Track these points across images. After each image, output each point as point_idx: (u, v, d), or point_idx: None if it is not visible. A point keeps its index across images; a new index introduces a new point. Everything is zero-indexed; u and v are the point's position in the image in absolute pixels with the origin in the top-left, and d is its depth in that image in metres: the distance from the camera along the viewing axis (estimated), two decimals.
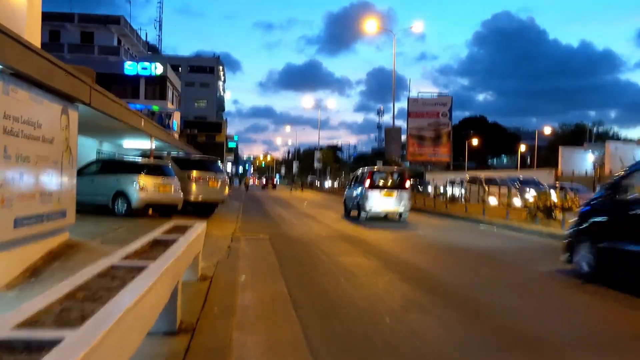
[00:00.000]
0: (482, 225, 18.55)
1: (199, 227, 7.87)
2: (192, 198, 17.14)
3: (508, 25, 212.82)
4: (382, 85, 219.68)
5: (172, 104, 46.37)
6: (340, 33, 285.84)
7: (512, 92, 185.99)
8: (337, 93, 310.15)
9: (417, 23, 41.27)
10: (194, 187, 17.16)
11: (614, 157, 55.15)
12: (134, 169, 15.53)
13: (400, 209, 19.65)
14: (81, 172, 16.06)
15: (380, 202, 19.55)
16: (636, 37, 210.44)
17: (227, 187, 18.52)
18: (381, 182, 20.30)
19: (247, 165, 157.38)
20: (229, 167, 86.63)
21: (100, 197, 15.64)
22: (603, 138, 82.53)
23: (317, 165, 74.80)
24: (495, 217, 19.67)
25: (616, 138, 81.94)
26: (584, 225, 8.69)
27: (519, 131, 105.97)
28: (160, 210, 16.42)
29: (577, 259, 8.73)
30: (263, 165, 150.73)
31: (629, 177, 8.23)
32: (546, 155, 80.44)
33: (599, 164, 61.72)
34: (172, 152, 20.18)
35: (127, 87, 44.27)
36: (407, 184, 20.44)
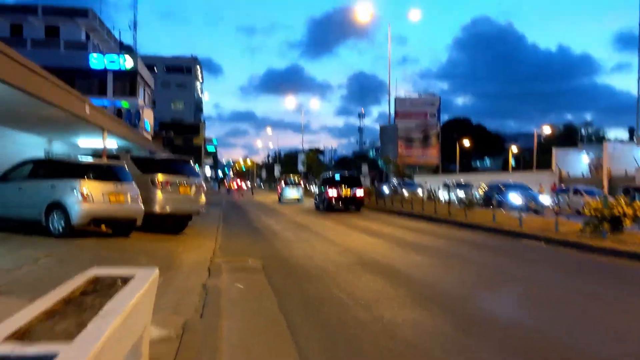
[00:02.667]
0: (525, 241, 14.83)
1: (141, 284, 3.96)
2: (156, 209, 13.05)
3: (487, 29, 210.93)
4: (363, 89, 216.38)
5: (145, 102, 42.06)
6: (322, 37, 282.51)
7: (491, 96, 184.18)
8: (319, 97, 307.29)
9: (414, 11, 37.63)
10: (159, 195, 13.07)
11: (612, 158, 52.33)
12: (75, 172, 11.44)
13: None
14: (6, 177, 11.95)
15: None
16: (613, 41, 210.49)
17: (203, 195, 14.47)
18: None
19: (226, 169, 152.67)
20: (207, 171, 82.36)
21: (29, 210, 11.56)
22: (593, 139, 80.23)
23: (301, 168, 70.90)
24: (536, 229, 15.96)
25: (603, 139, 79.54)
26: None
27: (500, 134, 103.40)
28: (114, 226, 12.37)
29: None
30: (244, 169, 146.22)
31: None
32: (536, 157, 77.68)
33: (595, 165, 58.84)
34: (133, 153, 16.01)
35: (93, 82, 39.82)
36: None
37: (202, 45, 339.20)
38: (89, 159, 12.81)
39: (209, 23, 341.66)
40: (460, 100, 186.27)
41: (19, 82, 7.74)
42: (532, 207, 26.04)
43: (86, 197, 11.03)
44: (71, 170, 11.48)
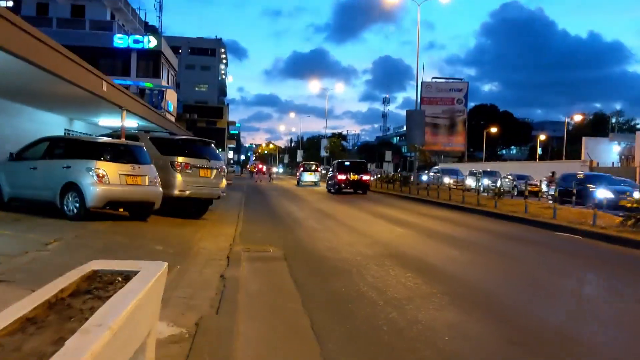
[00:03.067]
0: (560, 234, 14.03)
1: (144, 282, 3.33)
2: (175, 193, 12.53)
3: (517, 15, 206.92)
4: (388, 74, 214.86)
5: (168, 83, 41.66)
6: (348, 21, 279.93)
7: (518, 84, 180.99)
8: (344, 82, 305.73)
9: None
10: (178, 178, 12.54)
11: None
12: (91, 152, 10.93)
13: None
14: (21, 156, 11.53)
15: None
16: None
17: (224, 179, 13.92)
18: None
19: (249, 153, 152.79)
20: (230, 154, 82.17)
21: (44, 192, 11.11)
22: (623, 129, 77.98)
23: (323, 153, 70.19)
24: (571, 221, 15.13)
25: (637, 130, 77.30)
26: None
27: (527, 122, 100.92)
28: (131, 209, 11.88)
29: None
30: (266, 153, 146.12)
31: None
32: (562, 146, 75.82)
33: (626, 155, 57.00)
34: (154, 133, 15.49)
35: (116, 62, 39.58)
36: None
37: (227, 28, 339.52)
38: (107, 139, 12.32)
39: (235, 5, 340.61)
40: (487, 88, 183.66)
41: (25, 53, 7.18)
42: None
43: (102, 178, 10.53)
44: (87, 150, 10.97)
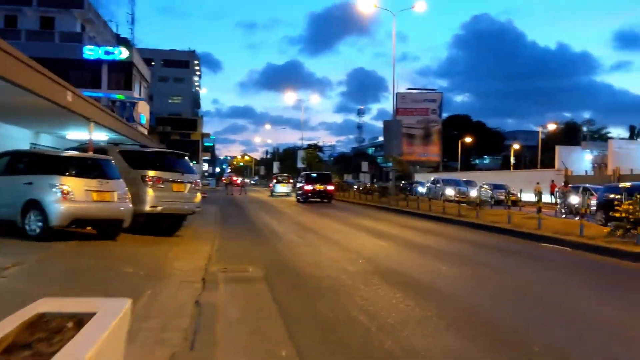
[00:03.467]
0: (546, 245, 13.68)
1: (100, 328, 2.70)
2: (147, 209, 11.81)
3: (487, 27, 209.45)
4: (363, 86, 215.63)
5: (140, 95, 40.74)
6: (322, 33, 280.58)
7: (489, 94, 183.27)
8: (319, 93, 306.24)
9: (419, 2, 36.31)
10: (149, 193, 11.83)
11: (618, 156, 51.26)
12: (55, 166, 10.20)
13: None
14: None
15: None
16: (612, 39, 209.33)
17: (198, 193, 13.26)
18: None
19: (224, 165, 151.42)
20: (205, 167, 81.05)
21: (4, 209, 10.35)
22: (595, 137, 79.09)
23: (300, 164, 69.61)
24: (557, 232, 14.80)
25: (607, 138, 78.55)
26: None
27: (500, 131, 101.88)
28: (99, 227, 11.15)
29: None
30: (241, 165, 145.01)
31: None
32: (536, 154, 76.56)
33: (599, 164, 57.66)
34: (124, 146, 14.70)
35: (87, 74, 38.52)
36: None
37: (201, 40, 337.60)
38: (72, 153, 11.58)
39: (209, 18, 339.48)
40: (459, 98, 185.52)
41: None
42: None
43: (67, 195, 9.81)
44: (51, 164, 10.24)
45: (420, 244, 13.60)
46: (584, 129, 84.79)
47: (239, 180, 70.61)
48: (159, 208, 11.96)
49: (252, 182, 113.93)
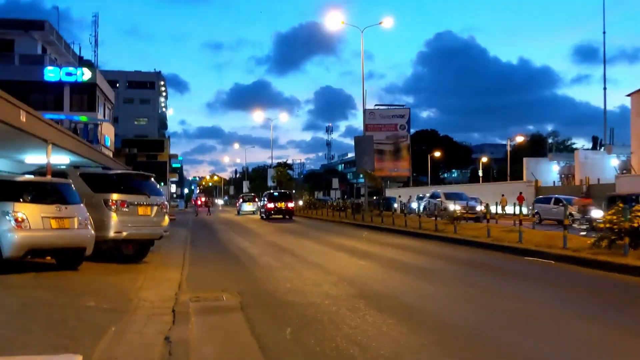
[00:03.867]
0: (530, 259, 13.27)
1: None
2: (110, 235, 10.97)
3: (450, 44, 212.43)
4: (330, 104, 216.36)
5: (105, 117, 39.56)
6: (289, 53, 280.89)
7: (454, 109, 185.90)
8: (287, 112, 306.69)
9: (387, 18, 36.29)
10: (113, 217, 11.01)
11: (584, 166, 51.89)
12: (8, 192, 9.34)
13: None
14: None
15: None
16: (572, 53, 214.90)
17: (166, 216, 12.46)
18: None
19: (192, 186, 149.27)
20: (173, 188, 79.52)
21: None
22: (561, 149, 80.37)
23: (270, 183, 68.80)
24: (539, 244, 14.43)
25: (572, 149, 79.93)
26: None
27: (467, 145, 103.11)
28: (59, 257, 10.29)
29: None
30: (210, 186, 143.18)
31: None
32: (503, 167, 77.40)
33: (566, 174, 58.42)
34: (86, 168, 13.79)
35: (48, 96, 37.23)
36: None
37: (167, 62, 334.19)
38: (27, 177, 10.72)
39: (174, 39, 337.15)
40: (425, 114, 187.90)
41: None
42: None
43: (21, 223, 8.97)
44: (3, 190, 9.38)
45: (403, 263, 13.05)
46: (550, 140, 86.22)
47: (204, 199, 70.22)
48: (124, 233, 11.13)
49: (222, 202, 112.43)
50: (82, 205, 9.97)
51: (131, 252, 12.10)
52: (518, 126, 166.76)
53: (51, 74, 36.68)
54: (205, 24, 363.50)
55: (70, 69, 37.67)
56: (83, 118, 33.46)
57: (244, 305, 7.80)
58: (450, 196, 32.31)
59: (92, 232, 10.00)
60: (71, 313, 6.92)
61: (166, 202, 12.49)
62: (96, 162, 18.07)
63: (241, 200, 52.92)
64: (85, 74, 36.82)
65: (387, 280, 10.17)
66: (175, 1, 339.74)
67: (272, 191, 41.54)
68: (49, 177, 11.33)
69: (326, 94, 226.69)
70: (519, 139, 66.23)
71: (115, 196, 11.13)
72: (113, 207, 11.03)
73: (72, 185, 10.17)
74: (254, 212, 47.13)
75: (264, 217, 37.27)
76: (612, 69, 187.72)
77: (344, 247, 16.84)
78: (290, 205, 37.68)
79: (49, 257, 10.68)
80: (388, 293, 8.74)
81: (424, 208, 32.35)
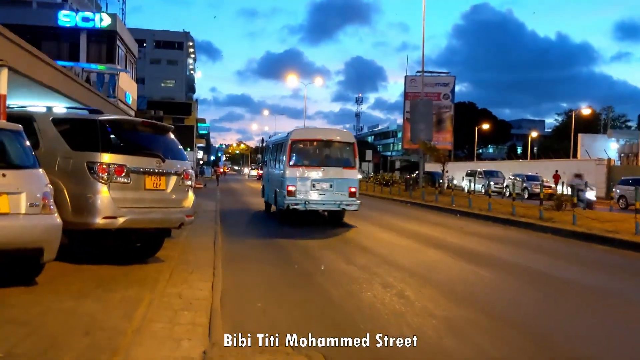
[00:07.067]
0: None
1: None
2: (98, 221, 6.57)
3: (487, 17, 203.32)
4: (361, 75, 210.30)
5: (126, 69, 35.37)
6: (323, 22, 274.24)
7: (487, 84, 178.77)
8: (317, 82, 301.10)
9: None
10: (104, 193, 6.66)
11: None
12: None
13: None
14: None
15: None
16: (613, 30, 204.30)
17: (190, 192, 7.94)
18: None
19: (219, 153, 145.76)
20: (199, 154, 75.83)
21: None
22: (616, 126, 74.37)
23: None
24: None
25: (628, 127, 74.11)
26: None
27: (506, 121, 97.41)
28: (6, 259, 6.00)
29: None
30: (237, 154, 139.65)
31: None
32: (548, 144, 71.83)
33: (627, 153, 52.70)
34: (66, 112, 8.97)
35: (62, 44, 33.14)
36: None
37: (201, 28, 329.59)
38: None
39: (210, 5, 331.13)
40: (457, 88, 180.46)
41: None
42: None
43: None
44: None
45: (525, 267, 8.57)
46: (602, 116, 79.98)
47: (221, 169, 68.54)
48: (120, 220, 6.68)
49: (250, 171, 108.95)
50: (38, 170, 5.62)
51: (133, 247, 7.78)
52: (552, 103, 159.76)
53: (66, 18, 32.42)
54: None
55: (87, 14, 33.36)
56: (101, 67, 29.25)
57: None
58: (488, 174, 33.60)
59: (58, 219, 5.66)
60: None
61: (191, 171, 8.02)
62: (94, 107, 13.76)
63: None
64: (105, 20, 32.51)
65: (516, 297, 5.69)
66: None
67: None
68: None
69: (357, 65, 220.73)
70: (586, 111, 60.13)
71: (106, 157, 6.67)
72: (103, 175, 6.60)
73: (24, 137, 5.76)
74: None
75: None
76: None
77: (427, 239, 12.35)
78: None
79: None
80: (530, 322, 4.31)
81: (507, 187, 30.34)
